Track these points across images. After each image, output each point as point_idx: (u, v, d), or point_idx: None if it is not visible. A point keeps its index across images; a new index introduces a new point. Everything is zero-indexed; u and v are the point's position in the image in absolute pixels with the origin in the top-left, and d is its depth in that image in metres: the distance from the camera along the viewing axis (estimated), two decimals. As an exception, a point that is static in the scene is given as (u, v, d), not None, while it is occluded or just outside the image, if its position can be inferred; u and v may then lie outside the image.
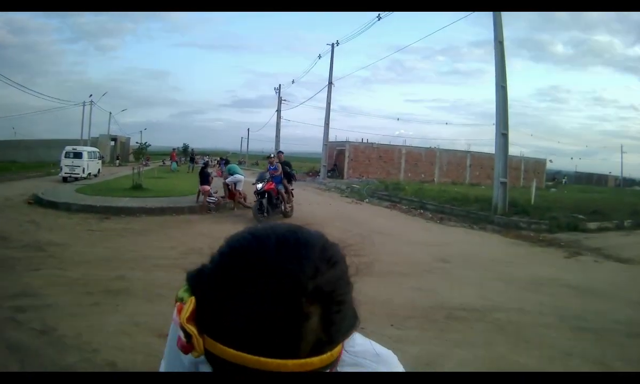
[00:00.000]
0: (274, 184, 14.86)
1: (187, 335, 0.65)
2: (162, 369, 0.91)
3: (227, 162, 29.29)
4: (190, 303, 0.67)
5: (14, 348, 4.93)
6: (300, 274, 0.64)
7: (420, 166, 47.70)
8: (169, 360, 0.87)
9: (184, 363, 0.78)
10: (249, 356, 0.62)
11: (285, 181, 15.38)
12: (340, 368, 0.73)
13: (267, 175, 15.26)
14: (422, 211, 19.77)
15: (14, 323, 5.66)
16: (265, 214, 14.28)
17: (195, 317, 0.66)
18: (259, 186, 14.77)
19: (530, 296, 7.70)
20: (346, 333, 0.70)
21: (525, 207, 18.19)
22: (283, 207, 15.28)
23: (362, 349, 0.87)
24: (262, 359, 0.62)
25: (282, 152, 18.00)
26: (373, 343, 0.90)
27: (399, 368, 0.92)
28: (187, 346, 0.66)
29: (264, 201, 14.52)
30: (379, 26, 37.13)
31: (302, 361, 0.63)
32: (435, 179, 46.78)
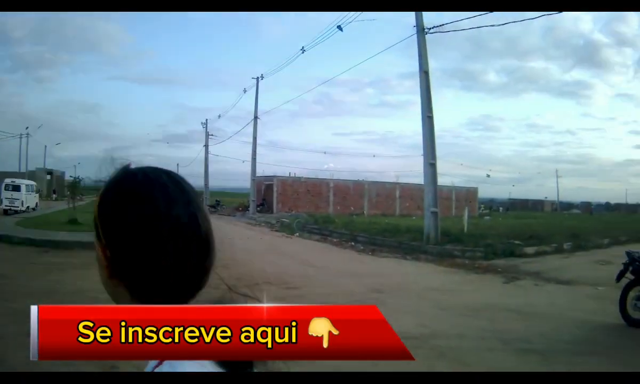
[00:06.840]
0: None
1: None
2: None
3: None
4: None
5: None
6: None
7: (348, 198, 47.45)
8: None
9: None
10: None
11: None
12: None
13: None
14: (353, 243, 19.37)
15: None
16: None
17: None
18: None
19: (470, 321, 7.25)
20: None
21: (459, 235, 18.16)
22: None
23: None
24: None
25: None
26: None
27: None
28: None
29: None
30: (304, 59, 38.56)
31: None
32: (364, 211, 46.23)
